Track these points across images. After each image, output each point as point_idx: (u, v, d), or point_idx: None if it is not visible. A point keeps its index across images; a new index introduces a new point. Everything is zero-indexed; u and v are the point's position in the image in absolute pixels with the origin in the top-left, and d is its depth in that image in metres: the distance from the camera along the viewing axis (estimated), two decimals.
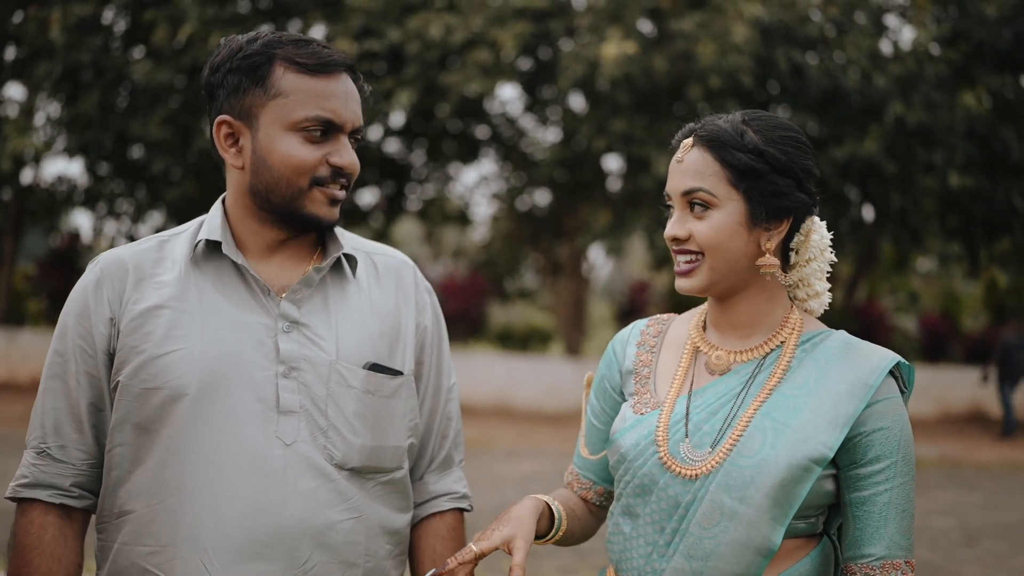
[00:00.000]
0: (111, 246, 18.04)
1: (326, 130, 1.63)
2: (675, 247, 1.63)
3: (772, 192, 1.60)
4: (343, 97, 1.64)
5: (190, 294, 1.63)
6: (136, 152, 15.68)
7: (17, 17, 14.84)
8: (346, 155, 1.64)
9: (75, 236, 18.55)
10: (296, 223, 1.66)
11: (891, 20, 15.27)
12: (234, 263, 1.66)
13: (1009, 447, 13.96)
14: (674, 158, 1.65)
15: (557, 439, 12.59)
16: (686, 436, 1.62)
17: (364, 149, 15.89)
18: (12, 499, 1.63)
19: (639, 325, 1.78)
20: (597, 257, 18.49)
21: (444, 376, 1.82)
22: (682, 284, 1.63)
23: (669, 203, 1.64)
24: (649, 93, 13.97)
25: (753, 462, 1.57)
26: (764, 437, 1.57)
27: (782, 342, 1.64)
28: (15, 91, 16.53)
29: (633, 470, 1.64)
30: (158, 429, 1.59)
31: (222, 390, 1.59)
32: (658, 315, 1.81)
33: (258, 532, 1.57)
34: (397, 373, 1.70)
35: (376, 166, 16.95)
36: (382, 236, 18.17)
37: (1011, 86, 14.99)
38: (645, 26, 14.36)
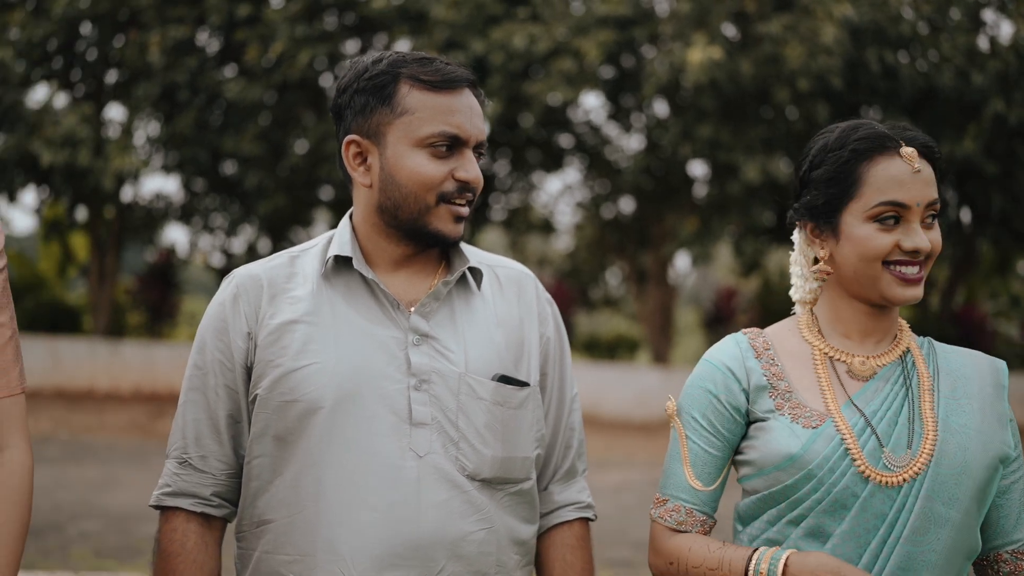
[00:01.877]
0: (206, 260, 18.63)
1: (451, 145, 1.66)
2: (909, 258, 1.60)
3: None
4: (467, 112, 1.67)
5: (323, 309, 1.67)
6: (229, 168, 16.14)
7: (118, 41, 15.43)
8: (472, 169, 1.67)
9: (171, 251, 19.17)
10: (422, 239, 1.69)
11: (988, 15, 14.76)
12: (364, 278, 1.70)
13: None
14: (907, 168, 1.60)
15: (647, 448, 12.48)
16: (881, 444, 1.58)
17: None
18: (156, 507, 1.70)
19: (742, 340, 1.71)
20: (683, 264, 18.27)
21: (567, 387, 1.83)
22: (911, 293, 1.61)
23: (892, 213, 1.59)
24: (735, 98, 13.79)
25: (955, 465, 1.57)
26: (957, 441, 1.59)
27: (908, 347, 1.67)
28: (116, 112, 17.20)
29: (827, 486, 1.57)
30: (296, 441, 1.63)
31: (356, 403, 1.63)
32: (746, 329, 1.75)
33: (394, 542, 1.60)
34: (524, 384, 1.72)
35: None
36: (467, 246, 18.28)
37: None
38: (730, 30, 14.17)
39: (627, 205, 17.85)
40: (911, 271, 1.61)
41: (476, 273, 1.75)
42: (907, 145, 1.62)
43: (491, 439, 1.67)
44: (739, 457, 1.68)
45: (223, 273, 18.19)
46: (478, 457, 1.66)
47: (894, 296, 1.61)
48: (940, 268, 20.04)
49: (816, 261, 1.69)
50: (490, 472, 1.66)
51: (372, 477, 1.61)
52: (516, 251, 20.28)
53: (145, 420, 13.74)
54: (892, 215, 1.60)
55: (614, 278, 21.33)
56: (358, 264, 1.69)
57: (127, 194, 16.93)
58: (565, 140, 16.76)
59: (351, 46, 15.41)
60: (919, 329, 1.79)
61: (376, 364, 1.65)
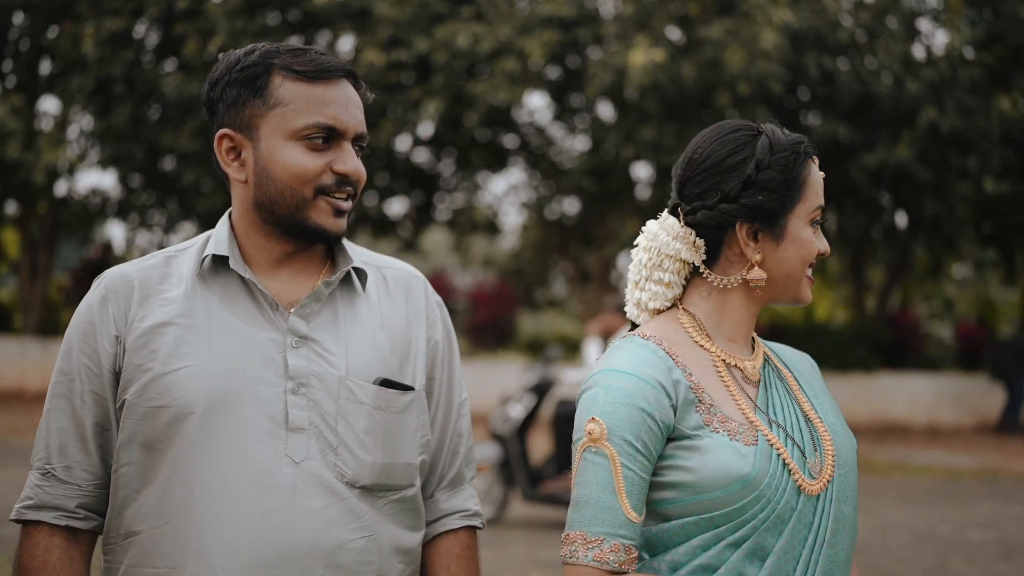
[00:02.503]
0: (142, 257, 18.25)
1: (328, 137, 1.60)
2: (814, 262, 1.61)
3: None
4: (343, 103, 1.61)
5: (197, 310, 1.60)
6: (168, 164, 15.85)
7: (52, 32, 15.07)
8: (350, 161, 1.61)
9: (108, 247, 18.78)
10: (302, 235, 1.62)
11: (924, 24, 15.10)
12: (241, 278, 1.63)
13: None
14: (818, 174, 1.60)
15: None
16: (803, 452, 1.53)
17: (393, 158, 15.96)
18: (17, 521, 1.61)
19: (657, 348, 1.54)
20: (625, 265, 18.39)
21: (455, 391, 1.78)
22: (810, 296, 1.63)
23: (818, 218, 1.59)
24: (677, 101, 13.90)
25: (846, 463, 1.58)
26: (838, 439, 1.59)
27: (763, 349, 1.66)
28: (49, 105, 16.80)
29: (773, 504, 1.48)
30: (165, 448, 1.56)
31: (230, 407, 1.56)
32: (644, 333, 1.58)
33: (268, 552, 1.54)
34: (408, 388, 1.66)
35: (405, 176, 17.00)
36: (411, 246, 18.22)
37: None
38: (673, 33, 14.30)
39: (571, 206, 17.92)
40: (811, 274, 1.64)
41: (361, 273, 1.69)
42: (807, 154, 1.63)
43: (371, 445, 1.61)
44: (659, 479, 1.50)
45: None
46: (357, 463, 1.60)
47: (807, 297, 1.62)
48: (876, 271, 20.44)
49: (693, 263, 1.61)
50: (370, 479, 1.61)
51: (245, 484, 1.54)
52: (460, 251, 20.25)
53: None
54: (819, 219, 1.60)
55: (558, 279, 21.40)
56: (235, 263, 1.62)
57: (61, 189, 16.54)
58: (510, 140, 16.76)
59: (293, 42, 15.21)
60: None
61: (252, 367, 1.58)
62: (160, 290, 1.62)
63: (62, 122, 15.33)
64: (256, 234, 1.65)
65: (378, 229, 17.59)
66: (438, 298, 1.80)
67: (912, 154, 13.80)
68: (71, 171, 15.64)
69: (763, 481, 1.46)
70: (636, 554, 1.48)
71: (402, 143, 16.02)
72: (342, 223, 1.63)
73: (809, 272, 1.60)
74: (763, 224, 1.56)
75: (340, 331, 1.64)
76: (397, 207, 18.18)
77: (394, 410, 1.64)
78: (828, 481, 1.52)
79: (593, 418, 1.49)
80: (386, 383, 1.64)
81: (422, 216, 17.98)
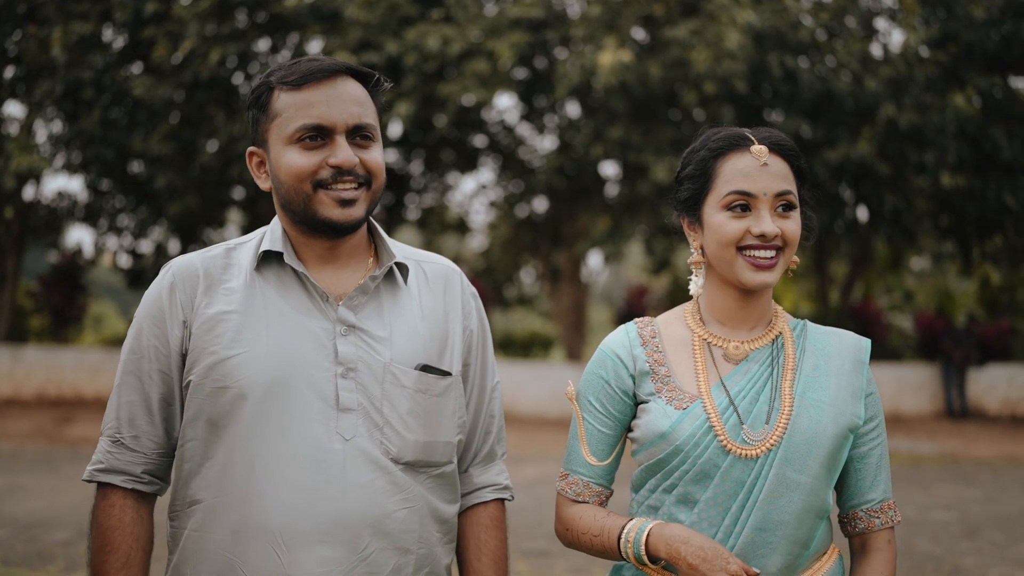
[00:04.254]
0: (113, 261, 18.16)
1: (318, 135, 1.75)
2: (761, 243, 1.76)
3: (805, 199, 1.85)
4: (329, 101, 1.74)
5: (255, 300, 1.77)
6: (137, 167, 15.79)
7: (17, 36, 14.96)
8: (341, 153, 1.73)
9: (76, 252, 18.63)
10: (318, 229, 1.78)
11: (881, 24, 15.46)
12: (295, 271, 1.80)
13: (1010, 441, 14.13)
14: (755, 162, 1.77)
15: (561, 443, 12.69)
16: (741, 421, 1.77)
17: None
18: (89, 481, 1.78)
19: (632, 329, 1.88)
20: (596, 263, 18.63)
21: (488, 377, 1.94)
22: (765, 278, 1.77)
23: (740, 202, 1.76)
24: (644, 100, 14.13)
25: (806, 437, 1.76)
26: (809, 414, 1.78)
27: (780, 331, 1.85)
28: (15, 109, 16.64)
29: (693, 459, 1.77)
30: (227, 425, 1.73)
31: (285, 389, 1.72)
32: (639, 319, 1.92)
33: (321, 520, 1.71)
34: (446, 374, 1.83)
35: None
36: None
37: (1000, 86, 15.18)
38: (639, 34, 14.52)
39: (540, 204, 18.09)
40: (763, 256, 1.77)
41: (403, 268, 1.85)
42: (759, 144, 1.79)
43: (414, 424, 1.77)
44: (630, 434, 1.87)
45: (132, 274, 17.76)
46: (401, 441, 1.76)
47: (747, 280, 1.78)
48: (838, 265, 20.83)
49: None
50: (412, 455, 1.77)
51: (300, 459, 1.70)
52: (431, 251, 20.34)
53: (51, 426, 13.36)
54: (740, 203, 1.76)
55: (528, 277, 21.57)
56: (288, 258, 1.78)
57: (28, 193, 16.42)
58: (479, 140, 16.90)
59: (263, 44, 15.24)
60: (820, 324, 2.00)
61: (305, 353, 1.74)
62: (223, 279, 1.80)
63: (29, 127, 15.23)
64: (296, 233, 1.82)
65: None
66: (473, 290, 1.97)
67: (872, 150, 14.14)
68: (38, 176, 15.53)
69: (679, 438, 1.77)
70: (598, 490, 1.88)
71: None
72: (351, 212, 1.76)
73: (754, 254, 1.77)
74: (688, 214, 1.84)
75: (385, 321, 1.81)
76: None
77: (434, 393, 1.81)
78: (769, 448, 1.74)
79: (569, 382, 1.95)
80: (426, 368, 1.81)
81: (392, 216, 18.07)
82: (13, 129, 15.49)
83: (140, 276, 17.55)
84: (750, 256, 1.78)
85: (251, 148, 1.83)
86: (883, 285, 23.07)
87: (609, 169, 16.62)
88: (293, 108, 1.74)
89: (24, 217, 16.72)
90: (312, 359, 1.74)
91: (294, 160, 1.73)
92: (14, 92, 15.65)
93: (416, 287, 1.87)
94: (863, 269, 19.13)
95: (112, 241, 17.80)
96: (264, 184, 1.82)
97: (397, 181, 17.47)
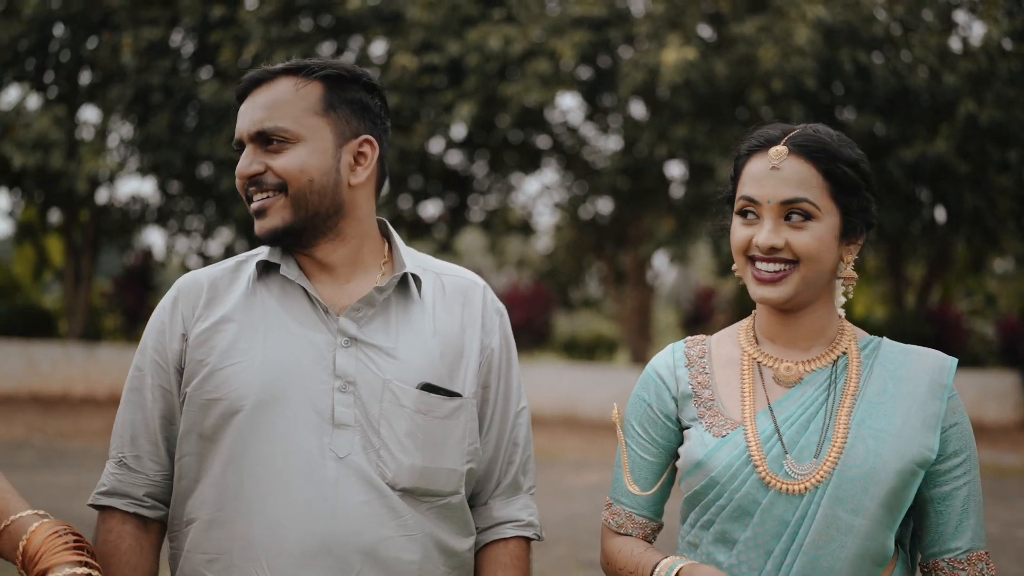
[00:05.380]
0: (183, 263, 18.50)
1: (242, 147, 1.70)
2: (764, 255, 1.59)
3: (863, 207, 1.62)
4: (246, 112, 1.69)
5: (255, 309, 1.69)
6: (205, 170, 16.05)
7: (91, 43, 15.32)
8: (239, 164, 1.69)
9: (148, 254, 19.05)
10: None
11: (960, 16, 14.89)
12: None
13: None
14: (767, 165, 1.59)
15: None
16: (785, 451, 1.57)
17: (426, 161, 16.03)
18: (92, 506, 1.72)
19: (678, 348, 1.73)
20: (661, 264, 18.35)
21: (512, 400, 1.80)
22: (767, 293, 1.59)
23: (748, 208, 1.60)
24: (710, 98, 13.84)
25: (862, 472, 1.55)
26: (867, 445, 1.56)
27: (844, 350, 1.64)
28: (90, 114, 17.06)
29: (729, 493, 1.59)
30: (219, 439, 1.64)
31: (280, 402, 1.63)
32: (691, 336, 1.77)
33: (309, 541, 1.60)
34: (454, 395, 1.69)
35: (438, 178, 17.08)
36: (446, 248, 18.29)
37: None
38: (705, 31, 14.23)
39: (605, 206, 17.89)
40: (766, 269, 1.59)
41: (417, 279, 1.74)
42: (782, 144, 1.60)
43: (411, 448, 1.65)
44: (677, 463, 1.71)
45: None
46: (397, 465, 1.64)
47: (752, 293, 1.61)
48: (916, 267, 20.17)
49: None
50: (409, 482, 1.64)
51: (291, 474, 1.61)
52: (495, 253, 20.30)
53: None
54: (748, 210, 1.60)
55: (593, 279, 21.36)
56: (285, 270, 1.70)
57: (102, 197, 16.81)
58: (542, 141, 16.78)
59: (327, 48, 15.35)
60: (896, 329, 1.77)
61: (303, 364, 1.65)
62: (226, 292, 1.71)
63: (102, 131, 15.59)
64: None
65: (413, 231, 17.68)
66: (499, 306, 1.83)
67: (950, 148, 13.61)
68: (111, 179, 15.89)
69: (715, 468, 1.58)
70: (643, 521, 1.72)
71: (435, 146, 16.09)
72: (264, 223, 1.68)
73: (758, 266, 1.60)
74: (728, 217, 1.69)
75: (391, 335, 1.69)
76: (431, 209, 18.27)
77: (437, 415, 1.68)
78: (817, 483, 1.54)
79: (615, 405, 1.77)
80: (429, 388, 1.67)
81: (456, 218, 18.05)
82: (87, 134, 15.87)
83: None
84: (755, 268, 1.61)
85: None
86: (963, 288, 22.27)
87: (674, 169, 16.36)
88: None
89: (98, 220, 17.12)
90: (309, 371, 1.64)
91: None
92: (89, 97, 16.05)
93: (431, 300, 1.75)
94: (941, 272, 18.47)
95: (182, 242, 18.14)
96: None
97: (461, 182, 17.45)
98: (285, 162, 1.65)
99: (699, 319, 19.68)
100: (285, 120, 1.65)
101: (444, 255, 18.79)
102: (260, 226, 1.67)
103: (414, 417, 1.65)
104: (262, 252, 1.75)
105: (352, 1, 13.76)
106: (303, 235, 1.68)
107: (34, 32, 14.59)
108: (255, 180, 1.66)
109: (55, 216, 17.20)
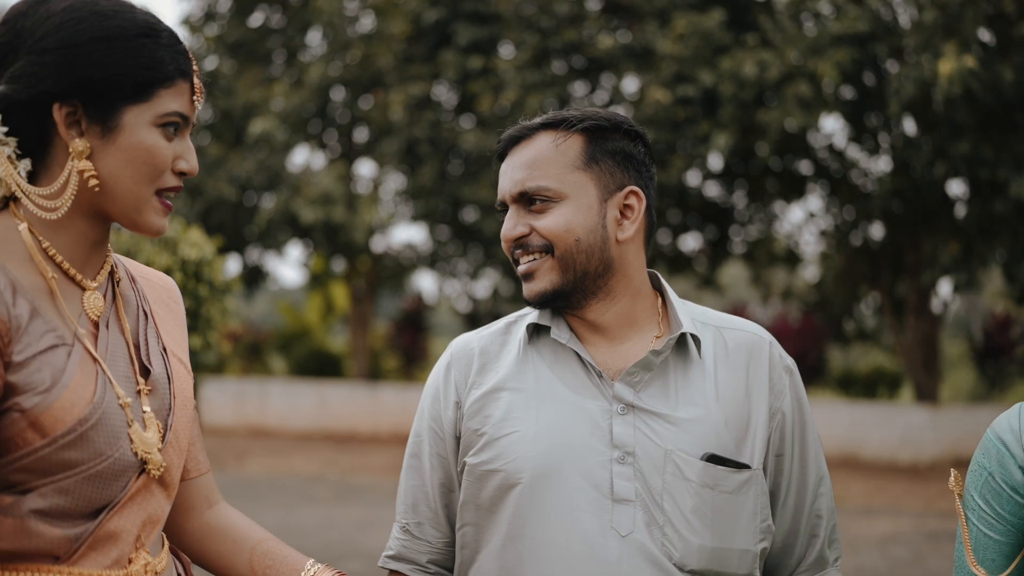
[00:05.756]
0: (452, 305, 19.36)
1: (503, 210, 1.69)
2: None
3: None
4: (505, 173, 1.68)
5: (527, 375, 1.63)
6: (470, 215, 16.74)
7: (364, 102, 16.54)
8: (504, 225, 1.66)
9: (420, 298, 20.12)
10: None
11: None
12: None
13: None
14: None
15: (916, 494, 11.47)
16: None
17: (684, 194, 15.76)
18: (383, 567, 1.75)
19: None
20: (946, 292, 16.82)
21: (811, 468, 1.65)
22: None
23: None
24: (995, 109, 12.56)
25: None
26: None
27: None
28: (365, 168, 18.39)
29: None
30: (498, 511, 1.60)
31: (556, 475, 1.57)
32: None
33: None
34: (743, 467, 1.56)
35: (697, 211, 16.74)
36: (708, 282, 17.86)
37: None
38: (984, 35, 12.98)
39: (877, 231, 16.71)
40: None
41: (696, 338, 1.63)
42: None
43: (699, 526, 1.54)
44: None
45: (469, 317, 18.83)
46: (685, 545, 1.54)
47: None
48: None
49: None
50: (698, 563, 1.53)
51: (572, 554, 1.54)
52: (760, 285, 19.55)
53: (400, 461, 14.35)
54: None
55: (868, 309, 19.98)
56: (556, 332, 1.63)
57: (378, 245, 17.99)
58: (805, 167, 16.00)
59: (579, 87, 15.59)
60: None
61: (578, 435, 1.58)
62: (498, 357, 1.68)
63: (376, 184, 16.72)
64: None
65: (673, 266, 17.43)
66: (788, 362, 1.68)
67: None
68: (386, 228, 16.99)
69: None
70: None
71: (692, 178, 15.80)
72: (532, 286, 1.63)
73: None
74: None
75: (670, 401, 1.59)
76: (691, 243, 17.93)
77: (725, 489, 1.55)
78: None
79: (953, 471, 1.56)
80: (715, 459, 1.55)
81: (717, 251, 17.58)
82: (363, 187, 17.09)
83: (477, 318, 18.53)
84: None
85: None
86: None
87: (956, 188, 14.99)
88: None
89: (376, 267, 18.33)
90: (585, 441, 1.57)
91: None
92: (364, 153, 17.31)
93: (712, 360, 1.62)
94: None
95: (450, 285, 19.00)
96: None
97: (720, 214, 17.01)
98: (550, 222, 1.59)
99: (994, 352, 17.84)
100: (547, 178, 1.59)
101: (706, 289, 18.33)
102: (528, 289, 1.62)
103: (700, 492, 1.54)
104: (531, 313, 1.70)
105: (603, 41, 13.88)
106: (572, 296, 1.62)
107: (317, 97, 15.95)
108: (520, 243, 1.61)
109: (339, 265, 18.61)
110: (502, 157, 1.65)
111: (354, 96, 16.46)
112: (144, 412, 1.36)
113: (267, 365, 21.21)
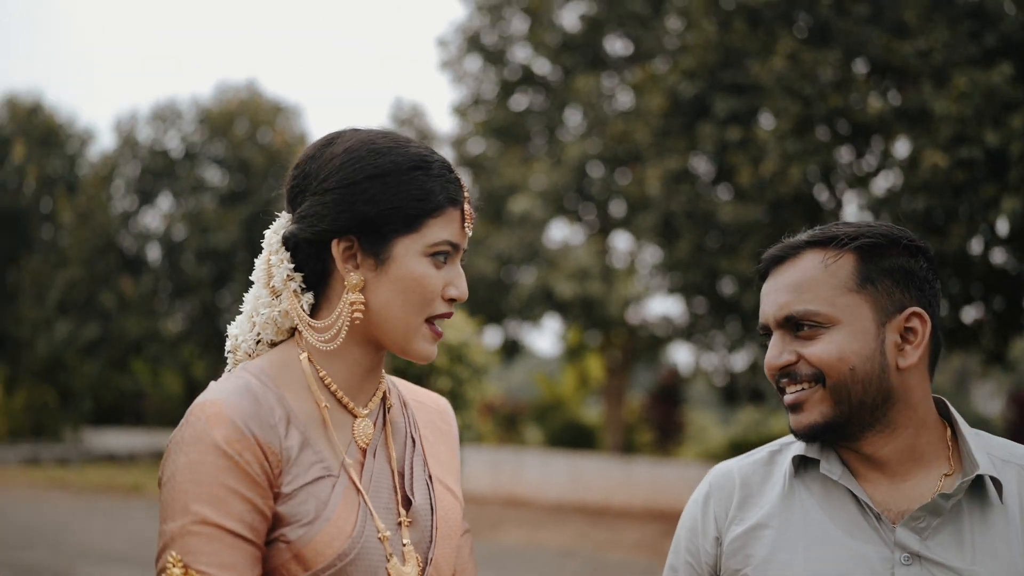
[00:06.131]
0: (708, 378, 18.84)
1: (767, 333, 1.54)
2: None
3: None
4: (768, 294, 1.55)
5: (793, 513, 1.49)
6: (727, 288, 16.32)
7: (620, 177, 16.70)
8: (769, 352, 1.50)
9: (674, 370, 19.79)
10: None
11: None
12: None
13: None
14: None
15: None
16: None
17: (966, 262, 14.54)
18: None
19: None
20: None
21: None
22: None
23: None
24: None
25: None
26: None
27: None
28: (621, 242, 18.49)
29: None
30: None
31: None
32: None
33: None
34: None
35: (981, 280, 15.37)
36: (996, 357, 16.28)
37: None
38: None
39: None
40: None
41: (996, 480, 1.42)
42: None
43: None
44: None
45: (726, 391, 18.26)
46: None
47: None
48: None
49: None
50: None
51: None
52: None
53: (655, 539, 14.01)
54: None
55: None
56: (826, 467, 1.47)
57: (634, 317, 17.93)
58: None
59: (845, 154, 14.90)
60: None
61: None
62: (761, 491, 1.54)
63: (632, 257, 16.74)
64: None
65: (953, 340, 16.05)
66: None
67: None
68: (641, 301, 16.92)
69: None
70: None
71: (975, 246, 14.55)
72: (800, 418, 1.49)
73: None
74: None
75: (965, 553, 1.39)
76: (973, 314, 16.44)
77: None
78: None
79: None
80: None
81: (1004, 324, 15.99)
82: (618, 261, 17.16)
83: (734, 392, 17.93)
84: None
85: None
86: None
87: None
88: None
89: (631, 339, 18.24)
90: None
91: None
92: (622, 226, 17.43)
93: (1018, 506, 1.41)
94: None
95: (707, 358, 18.56)
96: None
97: (1009, 284, 15.50)
98: (820, 350, 1.44)
99: None
100: (816, 302, 1.45)
101: (993, 366, 16.71)
102: (796, 421, 1.47)
103: None
104: (796, 443, 1.55)
105: (872, 104, 13.21)
106: (847, 429, 1.46)
107: (575, 174, 16.29)
108: (787, 371, 1.47)
109: (594, 337, 18.70)
110: (764, 277, 1.53)
111: (611, 171, 16.66)
112: (404, 545, 1.35)
113: (522, 435, 21.57)
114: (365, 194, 1.34)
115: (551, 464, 17.85)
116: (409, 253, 1.35)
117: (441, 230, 1.36)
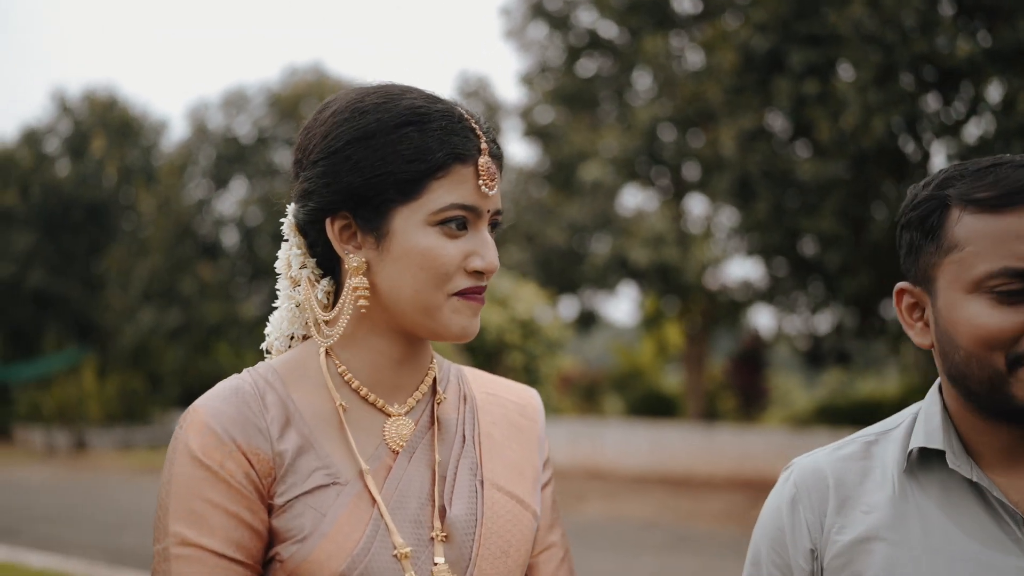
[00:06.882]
0: (791, 342, 18.31)
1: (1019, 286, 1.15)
2: None
3: None
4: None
5: (908, 522, 1.24)
6: (808, 248, 15.82)
7: (693, 139, 16.27)
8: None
9: (756, 335, 19.35)
10: (1012, 419, 1.17)
11: None
12: (968, 479, 1.22)
13: None
14: None
15: None
16: None
17: None
18: None
19: None
20: None
21: None
22: None
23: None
24: None
25: None
26: None
27: None
28: (695, 206, 18.06)
29: None
30: None
31: None
32: None
33: None
34: None
35: None
36: None
37: None
38: None
39: None
40: None
41: None
42: None
43: None
44: None
45: (810, 355, 17.77)
46: None
47: None
48: None
49: None
50: None
51: None
52: None
53: (740, 509, 13.71)
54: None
55: None
56: (954, 461, 1.22)
57: (712, 282, 17.52)
58: None
59: (932, 101, 14.22)
60: None
61: None
62: (861, 492, 1.28)
63: (708, 221, 16.33)
64: (970, 417, 1.22)
65: None
66: None
67: None
68: (719, 265, 16.51)
69: None
70: None
71: None
72: None
73: None
74: None
75: None
76: None
77: None
78: None
79: None
80: None
81: None
82: (694, 225, 16.76)
83: (819, 355, 17.44)
84: None
85: (901, 285, 1.26)
86: None
87: None
88: (987, 241, 1.16)
89: (710, 305, 17.86)
90: None
91: (980, 318, 1.15)
92: (696, 189, 17.01)
93: None
94: None
95: (789, 321, 18.07)
96: (921, 338, 1.24)
97: None
98: None
99: None
100: None
101: None
102: None
103: None
104: (901, 424, 1.29)
105: (961, 47, 12.53)
106: None
107: (646, 138, 15.91)
108: None
109: (672, 304, 18.37)
110: (997, 207, 1.16)
111: (683, 133, 16.23)
112: (435, 565, 1.16)
113: (602, 406, 21.38)
114: (348, 161, 1.16)
115: (632, 434, 17.63)
116: (410, 224, 1.16)
117: (447, 193, 1.16)
